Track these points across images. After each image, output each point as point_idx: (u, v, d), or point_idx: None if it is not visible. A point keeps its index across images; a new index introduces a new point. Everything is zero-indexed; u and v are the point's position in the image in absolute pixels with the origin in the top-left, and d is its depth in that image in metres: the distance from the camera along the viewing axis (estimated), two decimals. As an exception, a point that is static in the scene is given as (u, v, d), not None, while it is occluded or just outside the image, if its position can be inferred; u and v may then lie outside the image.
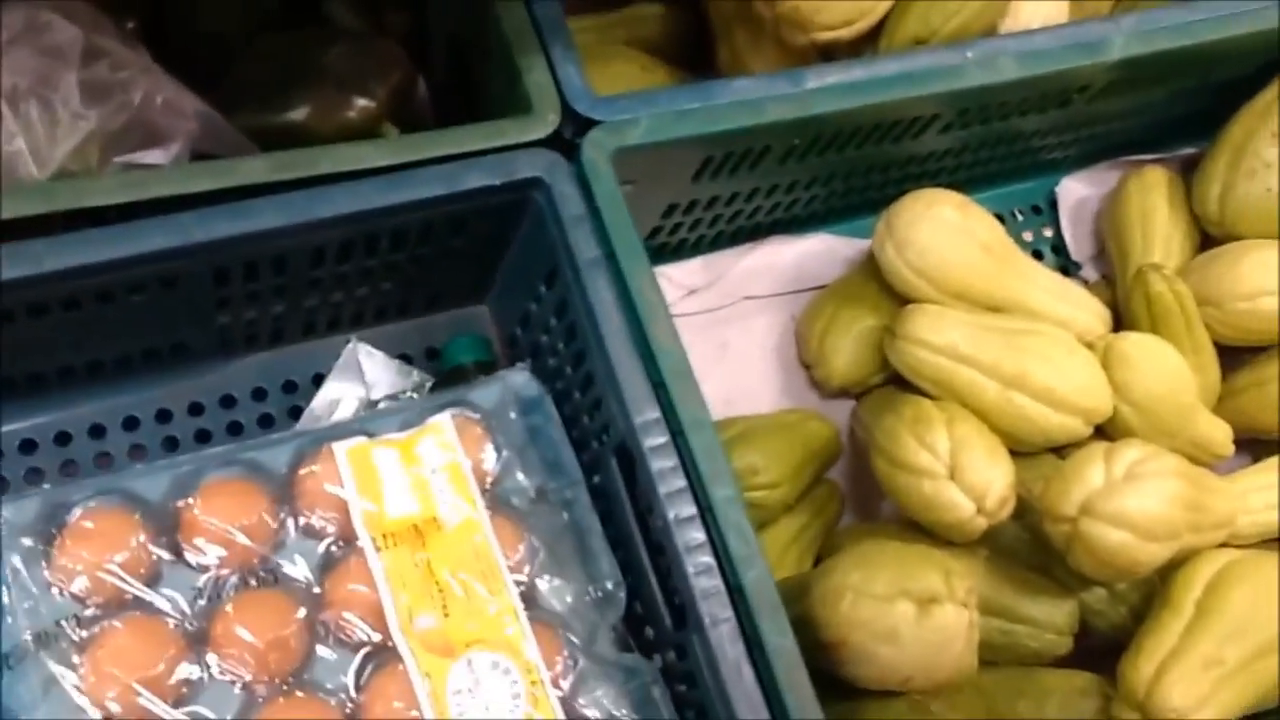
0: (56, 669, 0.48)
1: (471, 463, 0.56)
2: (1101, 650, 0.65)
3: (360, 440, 0.55)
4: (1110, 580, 0.65)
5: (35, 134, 0.55)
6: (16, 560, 0.50)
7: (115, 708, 0.48)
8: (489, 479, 0.56)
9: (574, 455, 0.58)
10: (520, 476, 0.57)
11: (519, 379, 0.59)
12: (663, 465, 0.53)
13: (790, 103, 0.62)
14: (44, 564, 0.50)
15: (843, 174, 0.72)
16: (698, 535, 0.52)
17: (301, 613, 0.51)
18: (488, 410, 0.58)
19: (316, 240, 0.56)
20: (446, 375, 0.64)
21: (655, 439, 0.53)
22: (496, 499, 0.56)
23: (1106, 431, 0.68)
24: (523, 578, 0.54)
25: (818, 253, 0.77)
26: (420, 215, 0.57)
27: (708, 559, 0.51)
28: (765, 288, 0.76)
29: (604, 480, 0.58)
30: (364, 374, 0.63)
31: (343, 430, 0.56)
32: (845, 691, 0.58)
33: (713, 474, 0.52)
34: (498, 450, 0.57)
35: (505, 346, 0.68)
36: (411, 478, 0.55)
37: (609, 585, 0.55)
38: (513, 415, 0.58)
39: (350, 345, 0.64)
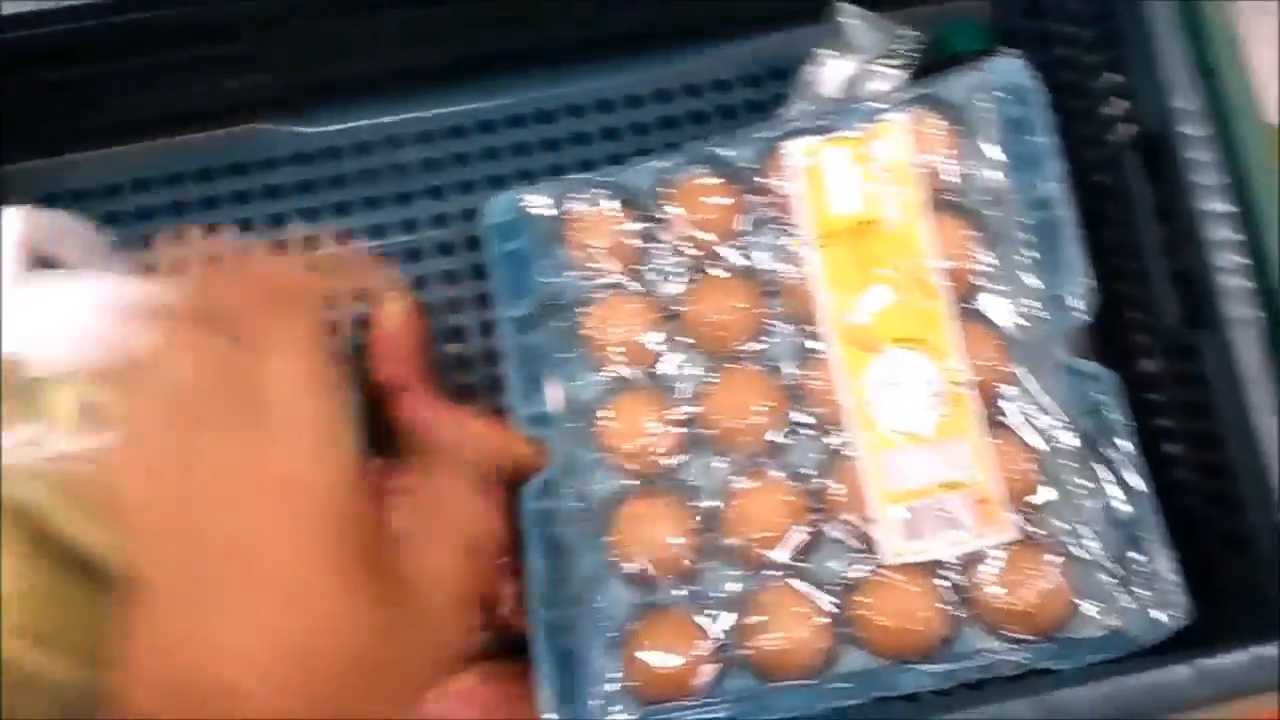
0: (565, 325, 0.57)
1: (925, 162, 0.56)
2: None
3: (812, 140, 0.56)
4: None
5: None
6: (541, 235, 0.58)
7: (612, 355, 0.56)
8: (945, 178, 0.56)
9: (1059, 151, 0.55)
10: (984, 173, 0.56)
11: (1006, 66, 0.56)
12: (1200, 156, 0.50)
13: None
14: (560, 241, 0.58)
15: None
16: (1230, 234, 0.49)
17: (751, 299, 0.56)
18: (957, 104, 0.56)
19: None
20: (941, 64, 0.63)
21: (1195, 129, 0.50)
22: (950, 200, 0.56)
23: None
24: (963, 281, 0.55)
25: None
26: None
27: (1239, 259, 0.49)
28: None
29: (1110, 178, 0.56)
30: (849, 39, 0.62)
31: (798, 128, 0.57)
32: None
33: (1258, 170, 0.49)
34: (960, 147, 0.56)
35: (1004, 42, 0.65)
36: (859, 177, 0.56)
37: (1075, 289, 0.54)
38: (987, 107, 0.56)
39: (831, 5, 0.62)
